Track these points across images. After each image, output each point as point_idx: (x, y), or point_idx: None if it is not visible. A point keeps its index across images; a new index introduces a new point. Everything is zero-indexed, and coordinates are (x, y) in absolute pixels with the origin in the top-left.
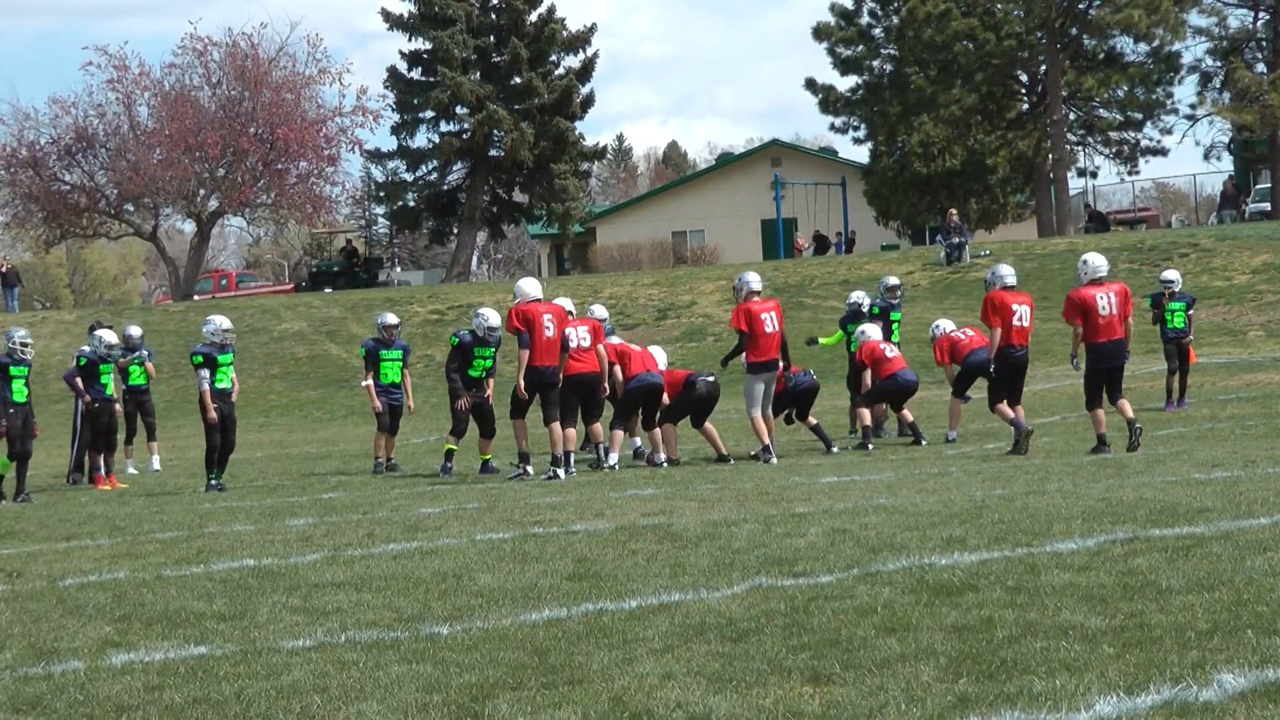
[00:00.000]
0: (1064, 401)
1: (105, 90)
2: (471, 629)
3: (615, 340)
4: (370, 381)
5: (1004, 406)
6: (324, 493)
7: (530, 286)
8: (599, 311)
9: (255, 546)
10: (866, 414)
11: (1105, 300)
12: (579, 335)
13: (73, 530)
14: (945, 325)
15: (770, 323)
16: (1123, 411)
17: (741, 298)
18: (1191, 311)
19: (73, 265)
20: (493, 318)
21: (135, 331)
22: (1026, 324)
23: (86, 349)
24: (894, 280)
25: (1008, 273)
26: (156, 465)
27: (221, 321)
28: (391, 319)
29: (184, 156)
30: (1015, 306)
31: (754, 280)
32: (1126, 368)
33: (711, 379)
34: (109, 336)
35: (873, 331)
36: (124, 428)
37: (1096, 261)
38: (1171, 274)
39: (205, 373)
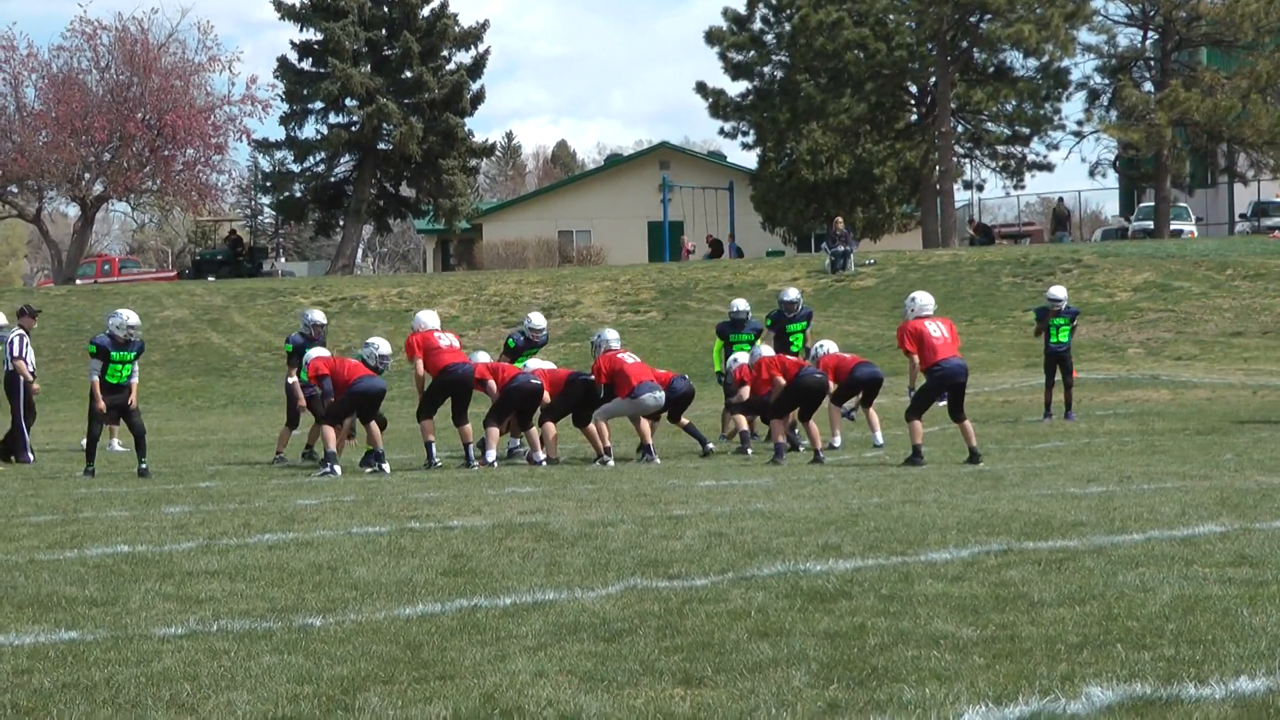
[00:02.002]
0: (941, 413)
1: None
2: (345, 621)
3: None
4: (294, 379)
5: (918, 422)
6: (201, 481)
7: (428, 318)
8: (537, 320)
9: (130, 533)
10: (743, 420)
11: (935, 325)
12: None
13: None
14: (829, 346)
15: (631, 359)
16: (965, 434)
17: (600, 352)
18: (1075, 323)
19: None
20: (383, 346)
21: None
22: (948, 337)
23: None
24: (793, 294)
25: (927, 303)
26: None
27: (129, 317)
28: (319, 317)
29: (70, 140)
30: (930, 325)
31: (613, 339)
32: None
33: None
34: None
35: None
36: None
37: (924, 300)
38: (1058, 290)
39: (96, 363)
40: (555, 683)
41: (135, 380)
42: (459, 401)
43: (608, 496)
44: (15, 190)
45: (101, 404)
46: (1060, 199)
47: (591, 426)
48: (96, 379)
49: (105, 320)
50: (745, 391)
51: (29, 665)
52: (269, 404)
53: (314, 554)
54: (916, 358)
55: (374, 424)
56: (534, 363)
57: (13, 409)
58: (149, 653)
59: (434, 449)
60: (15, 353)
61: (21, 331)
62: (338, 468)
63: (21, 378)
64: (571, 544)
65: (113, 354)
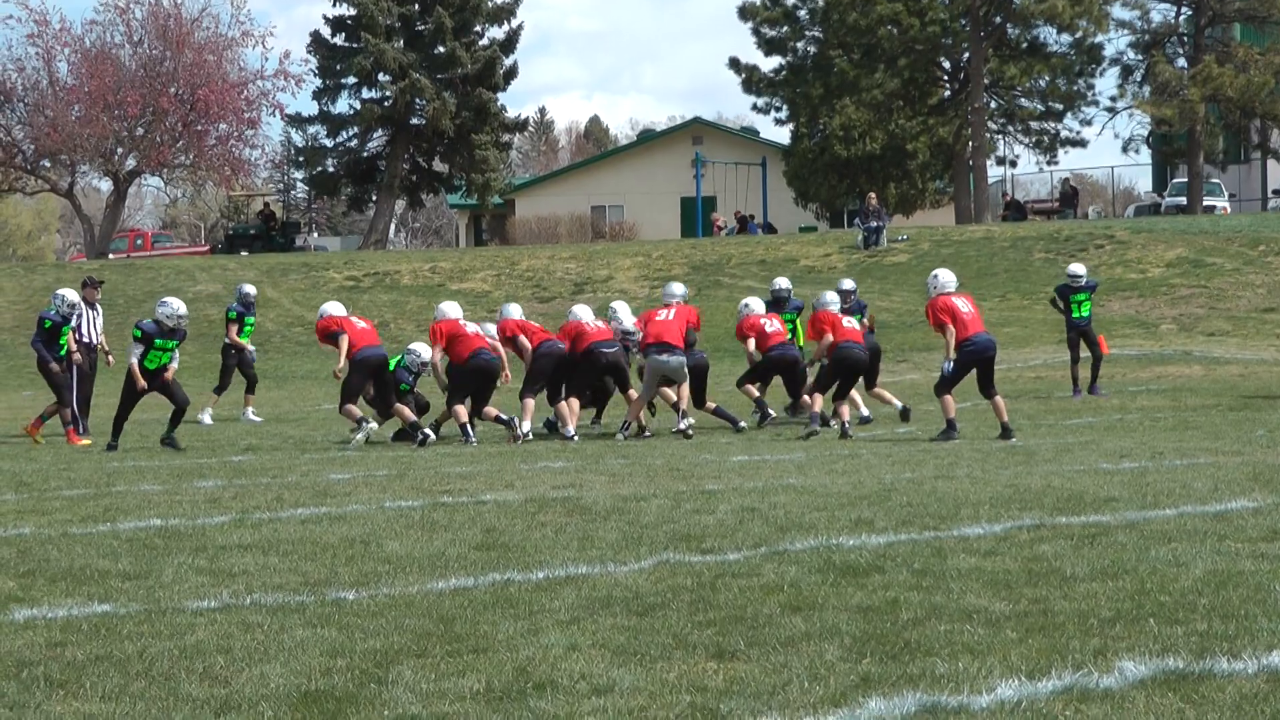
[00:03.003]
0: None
1: (25, 45)
2: (378, 595)
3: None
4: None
5: (949, 397)
6: (233, 455)
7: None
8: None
9: (162, 507)
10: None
11: (963, 301)
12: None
13: None
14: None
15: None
16: (997, 410)
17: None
18: (1092, 296)
19: None
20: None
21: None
22: (974, 312)
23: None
24: (849, 284)
25: (949, 280)
26: None
27: (178, 306)
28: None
29: (103, 114)
30: (958, 301)
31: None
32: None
33: (614, 348)
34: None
35: (756, 305)
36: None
37: (946, 277)
38: (1077, 267)
39: (139, 348)
40: (588, 656)
41: (175, 365)
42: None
43: (640, 471)
44: (48, 165)
45: (142, 382)
46: (1066, 178)
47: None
48: (135, 361)
49: (155, 308)
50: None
51: (62, 638)
52: (301, 379)
53: (347, 528)
54: (953, 329)
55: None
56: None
57: (76, 387)
58: (182, 626)
59: (470, 429)
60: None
61: (82, 307)
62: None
63: (77, 354)
64: (604, 518)
65: (156, 340)
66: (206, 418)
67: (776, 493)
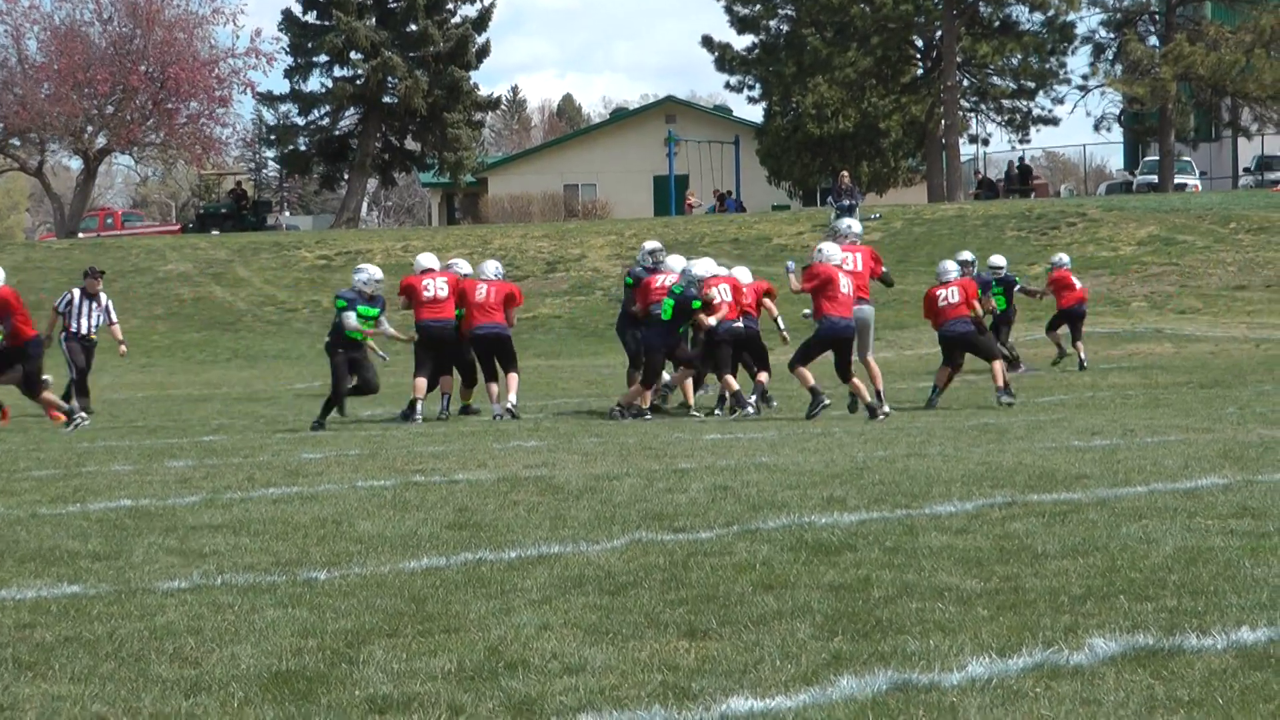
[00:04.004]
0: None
1: None
2: (349, 575)
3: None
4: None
5: (804, 369)
6: (204, 435)
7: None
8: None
9: (133, 487)
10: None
11: (846, 280)
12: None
13: None
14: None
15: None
16: (856, 390)
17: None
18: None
19: None
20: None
21: None
22: (956, 301)
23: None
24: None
25: (832, 253)
26: None
27: (374, 271)
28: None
29: (72, 92)
30: (941, 292)
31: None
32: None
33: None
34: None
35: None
36: None
37: (830, 250)
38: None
39: (351, 314)
40: (560, 635)
41: (384, 327)
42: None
43: (613, 450)
44: (17, 143)
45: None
46: (1012, 161)
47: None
48: (356, 323)
49: (352, 276)
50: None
51: (31, 619)
52: (272, 358)
53: (318, 508)
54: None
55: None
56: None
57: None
58: (152, 606)
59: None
60: (60, 307)
61: (76, 293)
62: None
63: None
64: (576, 497)
65: (359, 308)
66: None
67: (749, 471)
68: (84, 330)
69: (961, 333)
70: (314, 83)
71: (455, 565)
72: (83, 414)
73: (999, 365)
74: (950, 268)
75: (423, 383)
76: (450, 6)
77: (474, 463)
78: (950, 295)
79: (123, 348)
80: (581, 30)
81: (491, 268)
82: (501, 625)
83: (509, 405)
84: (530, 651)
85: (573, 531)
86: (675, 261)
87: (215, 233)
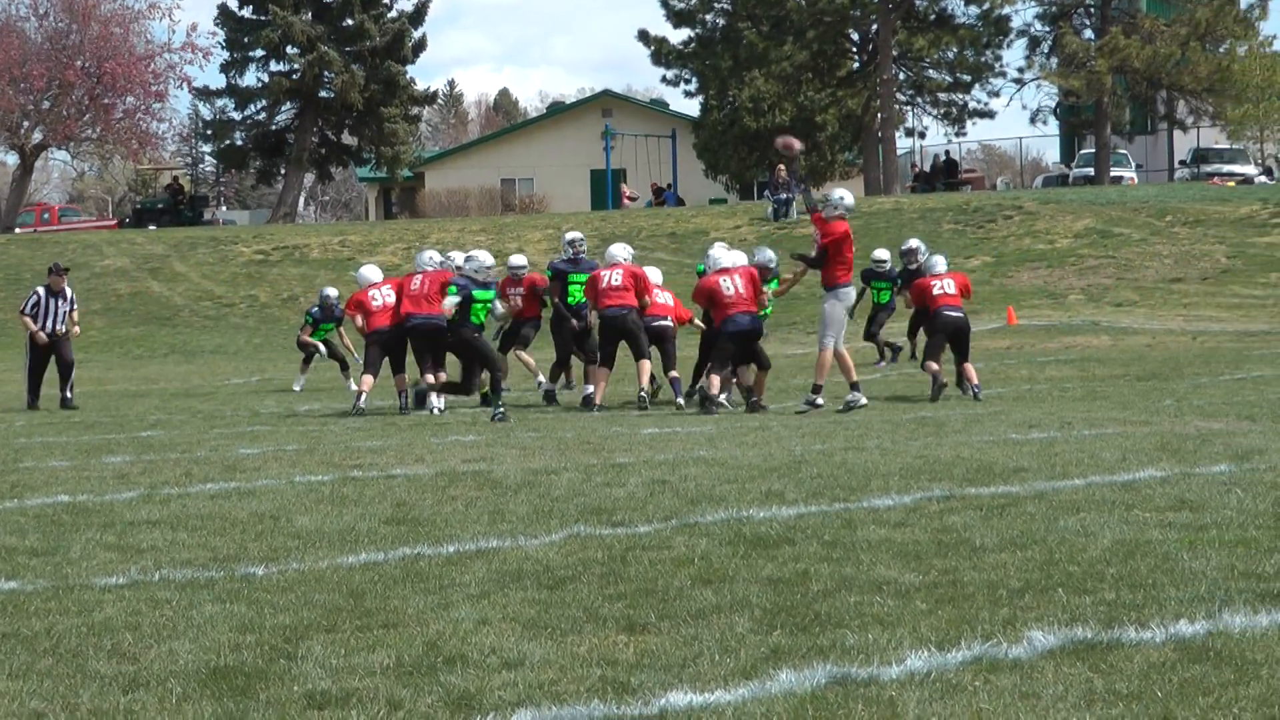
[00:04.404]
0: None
1: None
2: (287, 570)
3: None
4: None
5: (933, 363)
6: (142, 431)
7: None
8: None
9: (70, 483)
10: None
11: (732, 280)
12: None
13: None
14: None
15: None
16: (755, 383)
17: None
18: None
19: None
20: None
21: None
22: (952, 292)
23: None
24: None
25: (938, 261)
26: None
27: (486, 258)
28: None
29: (8, 88)
30: (935, 282)
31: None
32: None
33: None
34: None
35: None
36: None
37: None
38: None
39: (453, 301)
40: (499, 630)
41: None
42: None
43: (551, 444)
44: None
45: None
46: (938, 155)
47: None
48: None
49: (464, 264)
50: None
51: None
52: (210, 353)
53: (256, 503)
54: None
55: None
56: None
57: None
58: (90, 602)
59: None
60: (26, 310)
61: (42, 291)
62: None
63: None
64: (515, 492)
65: (475, 293)
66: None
67: (687, 465)
68: (51, 329)
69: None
70: (250, 77)
71: (393, 560)
72: None
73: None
74: (937, 261)
75: (370, 380)
76: (386, 1)
77: (411, 457)
78: (947, 286)
79: (75, 329)
80: (518, 24)
81: (621, 251)
82: (440, 620)
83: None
84: (469, 646)
85: (511, 526)
86: (619, 250)
87: (152, 228)
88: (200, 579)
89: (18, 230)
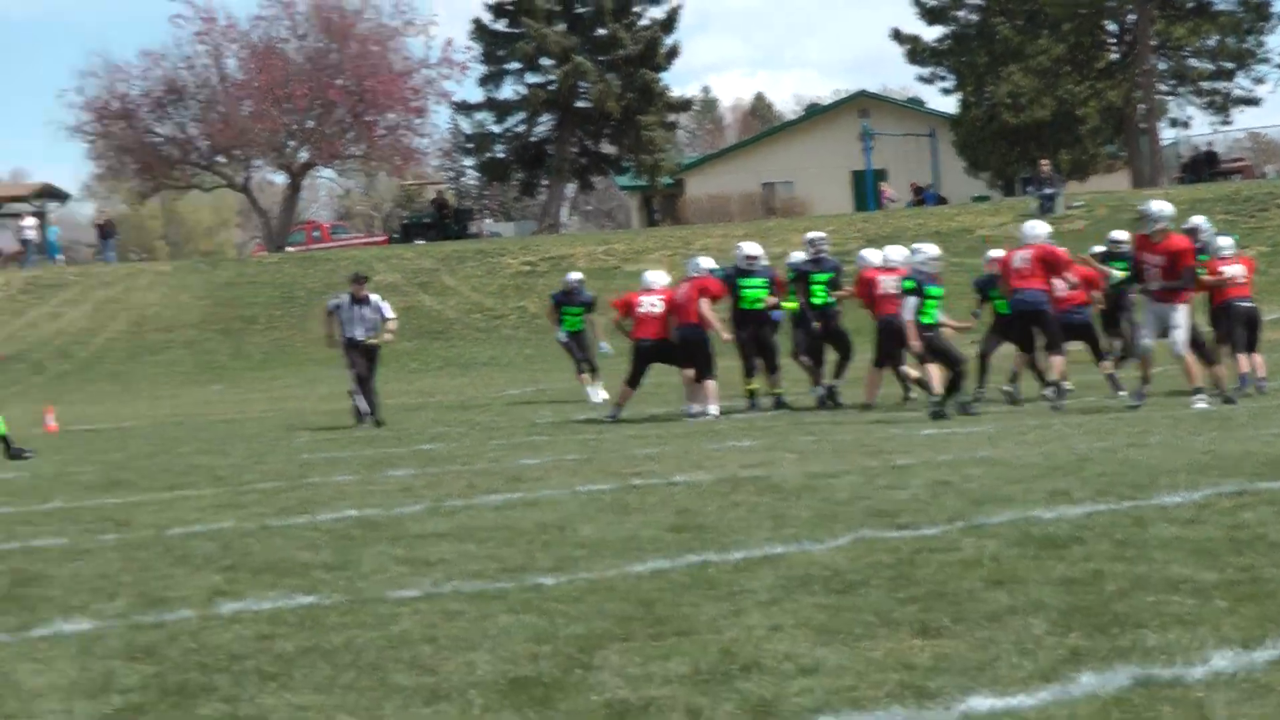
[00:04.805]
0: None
1: (194, 43)
2: (576, 579)
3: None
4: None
5: (1239, 357)
6: (423, 444)
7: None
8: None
9: (357, 497)
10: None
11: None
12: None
13: (175, 480)
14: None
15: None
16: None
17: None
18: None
19: (167, 217)
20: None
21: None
22: (1243, 280)
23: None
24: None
25: (1225, 243)
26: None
27: (933, 250)
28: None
29: (273, 108)
30: (1224, 269)
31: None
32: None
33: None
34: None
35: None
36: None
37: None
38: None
39: (912, 300)
40: (791, 636)
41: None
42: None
43: (828, 448)
44: (223, 160)
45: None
46: (1197, 145)
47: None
48: (910, 316)
49: (913, 259)
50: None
51: (270, 630)
52: (483, 365)
53: (540, 513)
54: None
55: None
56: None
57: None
58: (386, 615)
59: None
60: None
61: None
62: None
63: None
64: (796, 496)
65: (928, 289)
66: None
67: (968, 466)
68: (357, 336)
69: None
70: (507, 90)
71: (680, 567)
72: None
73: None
74: (1225, 242)
75: (629, 391)
76: (637, 9)
77: (690, 464)
78: (1237, 273)
79: (386, 335)
80: (769, 28)
81: (893, 254)
82: (732, 627)
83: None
84: (763, 653)
85: (795, 531)
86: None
87: (420, 242)
88: (491, 590)
89: (289, 248)
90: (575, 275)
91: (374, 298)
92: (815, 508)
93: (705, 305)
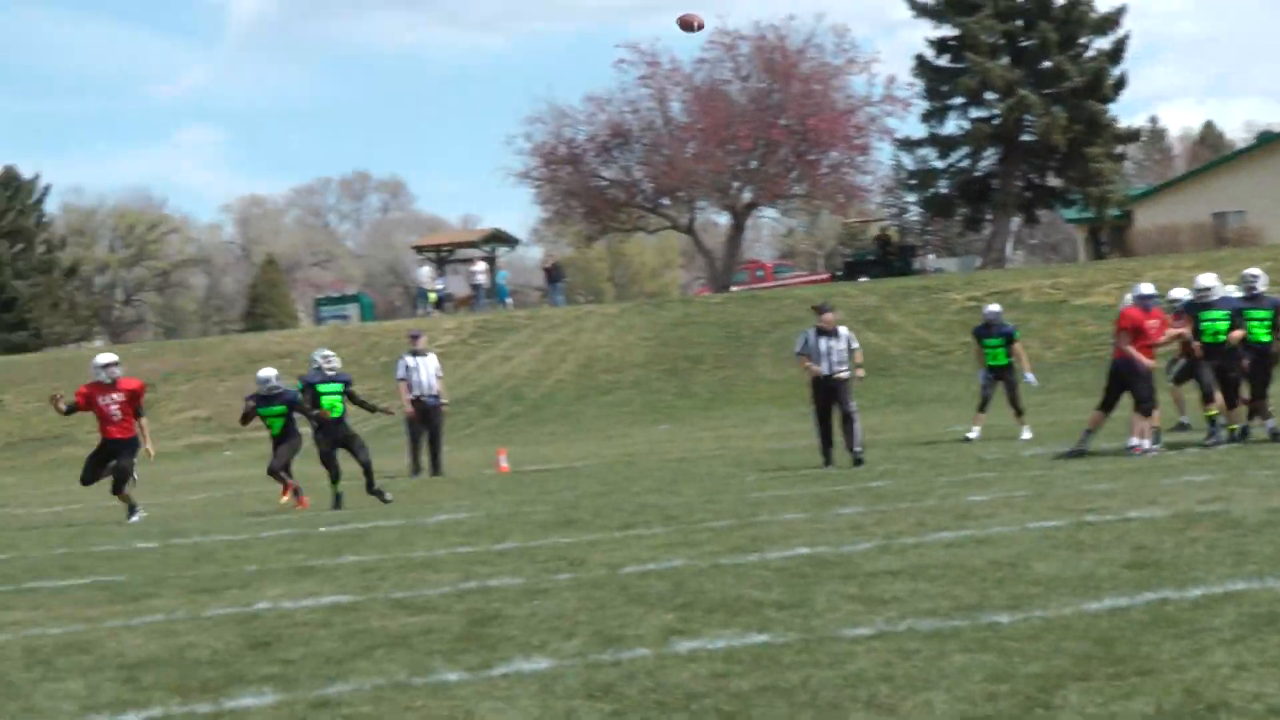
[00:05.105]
0: None
1: (638, 86)
2: (1031, 618)
3: None
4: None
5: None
6: (871, 481)
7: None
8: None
9: (807, 535)
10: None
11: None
12: None
13: (627, 519)
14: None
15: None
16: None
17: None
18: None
19: (613, 259)
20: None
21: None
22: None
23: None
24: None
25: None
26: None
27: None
28: None
29: (717, 150)
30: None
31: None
32: None
33: None
34: None
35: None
36: None
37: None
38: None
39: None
40: (1259, 675)
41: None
42: None
43: None
44: (667, 203)
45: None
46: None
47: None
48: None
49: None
50: None
51: (724, 669)
52: (929, 402)
53: (992, 550)
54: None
55: None
56: None
57: None
58: (841, 654)
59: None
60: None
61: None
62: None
63: None
64: (1257, 532)
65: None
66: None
67: None
68: (830, 370)
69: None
70: (950, 125)
71: (1139, 605)
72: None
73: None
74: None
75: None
76: (1083, 40)
77: (1145, 500)
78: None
79: (859, 372)
80: (1219, 55)
81: None
82: (1195, 666)
83: None
84: (1229, 693)
85: (1258, 567)
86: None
87: (863, 280)
88: (946, 629)
89: (734, 288)
90: (993, 307)
91: (843, 330)
92: (1277, 544)
93: (1124, 337)
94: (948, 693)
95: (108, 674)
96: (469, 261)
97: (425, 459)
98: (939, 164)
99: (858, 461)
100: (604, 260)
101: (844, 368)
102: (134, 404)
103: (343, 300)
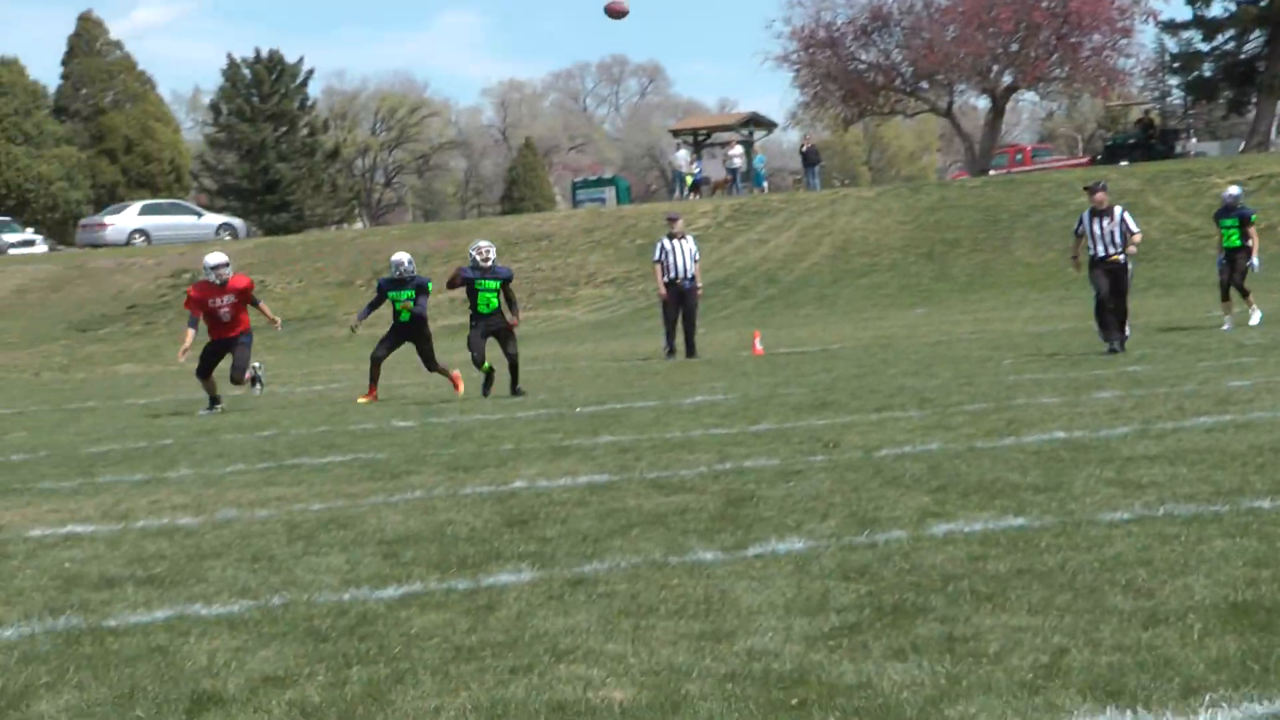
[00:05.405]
0: None
1: None
2: None
3: None
4: None
5: None
6: (1129, 365)
7: None
8: None
9: (1063, 419)
10: None
11: None
12: None
13: (883, 402)
14: None
15: None
16: None
17: None
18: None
19: (869, 143)
20: None
21: None
22: None
23: None
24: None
25: None
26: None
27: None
28: None
29: (977, 33)
30: None
31: None
32: None
33: None
34: None
35: None
36: None
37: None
38: (1232, 189)
39: None
40: None
41: None
42: None
43: None
44: (926, 86)
45: None
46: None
47: None
48: None
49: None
50: None
51: (981, 551)
52: (1189, 285)
53: (1253, 435)
54: None
55: None
56: None
57: None
58: (1099, 538)
59: None
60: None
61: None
62: None
63: None
64: None
65: None
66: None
67: None
68: (1105, 253)
69: None
70: (1216, 7)
71: None
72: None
73: None
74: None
75: None
76: None
77: None
78: None
79: (1131, 249)
80: None
81: None
82: None
83: None
84: None
85: None
86: None
87: (1124, 164)
88: (1206, 513)
89: (992, 172)
90: (1233, 190)
91: (1117, 210)
92: None
93: None
94: (1207, 577)
95: (368, 549)
96: (726, 145)
97: (680, 341)
98: (1203, 46)
99: (1112, 350)
100: (861, 144)
101: (1118, 249)
102: (244, 303)
103: (599, 183)
